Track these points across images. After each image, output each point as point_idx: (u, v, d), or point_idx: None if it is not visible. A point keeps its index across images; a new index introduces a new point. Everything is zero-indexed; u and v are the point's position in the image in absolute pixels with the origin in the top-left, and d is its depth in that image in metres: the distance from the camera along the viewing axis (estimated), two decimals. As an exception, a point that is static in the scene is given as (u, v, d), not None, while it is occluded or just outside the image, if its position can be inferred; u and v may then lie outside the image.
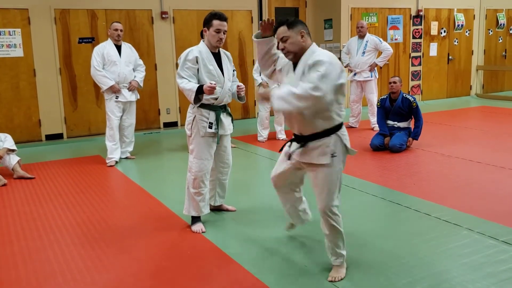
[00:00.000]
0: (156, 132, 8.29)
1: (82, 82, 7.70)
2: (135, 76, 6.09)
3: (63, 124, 7.69)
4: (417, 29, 10.27)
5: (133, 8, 7.96)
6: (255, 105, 9.07)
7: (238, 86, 3.76)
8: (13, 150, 5.47)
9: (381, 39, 7.66)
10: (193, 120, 3.65)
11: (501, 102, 10.43)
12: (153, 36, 8.16)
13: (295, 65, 2.81)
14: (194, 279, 2.94)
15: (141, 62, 6.25)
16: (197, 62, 3.57)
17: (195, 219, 3.76)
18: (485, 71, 11.62)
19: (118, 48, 5.96)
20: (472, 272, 2.89)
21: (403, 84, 6.47)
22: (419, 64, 10.51)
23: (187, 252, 3.34)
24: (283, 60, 2.97)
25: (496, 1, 11.37)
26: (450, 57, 10.93)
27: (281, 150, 3.12)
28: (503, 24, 11.62)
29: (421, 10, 10.19)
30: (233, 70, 3.85)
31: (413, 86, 10.50)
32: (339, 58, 5.93)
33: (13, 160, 5.41)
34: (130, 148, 6.29)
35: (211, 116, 3.64)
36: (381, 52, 7.58)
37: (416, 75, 10.51)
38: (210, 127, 3.63)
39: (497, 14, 11.48)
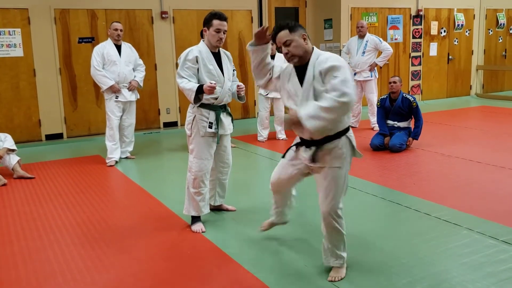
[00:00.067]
0: (156, 132, 8.29)
1: (82, 82, 7.70)
2: (135, 76, 6.09)
3: (63, 124, 7.69)
4: (417, 29, 10.27)
5: (133, 8, 7.96)
6: (255, 105, 9.07)
7: (238, 86, 3.76)
8: (13, 150, 5.47)
9: (381, 39, 7.66)
10: (193, 120, 3.65)
11: (501, 102, 10.43)
12: (153, 36, 8.16)
13: (297, 69, 2.75)
14: (194, 279, 2.94)
15: (141, 62, 6.26)
16: (197, 61, 3.57)
17: (195, 219, 3.76)
18: (485, 71, 11.62)
19: (118, 48, 5.96)
20: (472, 272, 2.89)
21: (403, 84, 6.47)
22: (419, 64, 10.51)
23: (187, 252, 3.34)
24: (278, 68, 2.94)
25: (496, 1, 11.37)
26: (450, 57, 10.93)
27: (283, 156, 3.03)
28: (503, 24, 11.61)
29: (421, 10, 10.19)
30: (233, 70, 3.85)
31: (413, 86, 10.50)
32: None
33: (13, 160, 5.41)
34: (130, 148, 6.29)
35: (211, 116, 3.64)
36: (381, 52, 7.58)
37: (416, 75, 10.51)
38: (210, 127, 3.63)
39: (497, 14, 11.48)
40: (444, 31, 10.72)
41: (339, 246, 2.86)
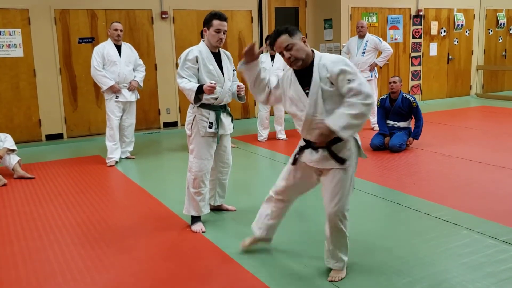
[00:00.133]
0: (156, 132, 8.29)
1: (82, 82, 7.70)
2: (135, 76, 6.10)
3: (63, 124, 7.69)
4: (417, 29, 10.27)
5: (133, 8, 7.96)
6: (255, 105, 9.07)
7: (238, 86, 3.76)
8: (13, 150, 5.47)
9: (381, 39, 7.66)
10: (193, 120, 3.65)
11: (501, 102, 10.43)
12: (153, 36, 8.16)
13: (298, 74, 2.71)
14: (194, 279, 2.94)
15: (141, 62, 6.26)
16: (197, 61, 3.57)
17: (195, 219, 3.76)
18: (485, 71, 11.62)
19: (118, 48, 5.96)
20: (472, 272, 2.89)
21: (403, 84, 6.47)
22: (419, 64, 10.51)
23: (187, 252, 3.34)
24: (274, 78, 2.92)
25: (496, 1, 11.37)
26: (450, 57, 10.93)
27: (294, 163, 2.88)
28: (503, 24, 11.62)
29: (421, 10, 10.19)
30: (233, 70, 3.85)
31: (413, 86, 10.50)
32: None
33: (13, 160, 5.41)
34: (130, 148, 6.29)
35: (211, 116, 3.64)
36: (381, 52, 7.58)
37: (416, 75, 10.51)
38: (210, 127, 3.63)
39: (497, 14, 11.48)
40: (444, 31, 10.73)
41: (341, 249, 2.85)
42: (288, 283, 2.85)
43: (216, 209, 4.09)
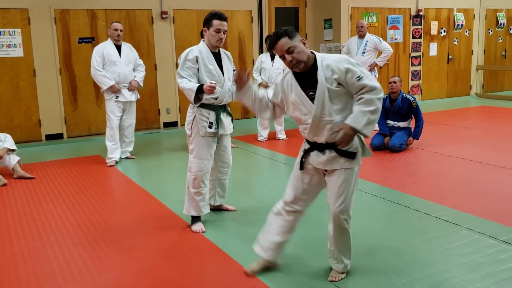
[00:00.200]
0: (156, 132, 8.29)
1: (82, 82, 7.70)
2: (135, 76, 6.10)
3: (63, 124, 7.69)
4: (417, 29, 10.27)
5: (133, 8, 7.96)
6: (255, 105, 9.05)
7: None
8: (13, 150, 5.47)
9: (381, 39, 7.65)
10: (193, 120, 3.65)
11: (501, 102, 10.43)
12: (153, 36, 8.16)
13: (299, 77, 2.67)
14: (194, 279, 2.94)
15: (141, 62, 6.26)
16: (197, 61, 3.57)
17: (195, 219, 3.76)
18: (485, 71, 11.62)
19: (118, 48, 5.96)
20: (472, 272, 2.89)
21: (403, 84, 6.47)
22: (419, 64, 10.51)
23: (187, 252, 3.34)
24: (270, 90, 2.92)
25: (496, 1, 11.37)
26: (450, 56, 10.93)
27: (301, 167, 2.80)
28: (503, 24, 11.61)
29: (421, 10, 10.19)
30: (233, 70, 3.85)
31: (413, 86, 10.50)
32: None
33: (13, 160, 5.41)
34: (130, 148, 6.29)
35: (211, 116, 3.64)
36: (381, 52, 7.57)
37: (416, 75, 10.51)
38: (210, 127, 3.63)
39: (497, 14, 11.48)
40: (444, 31, 10.73)
41: (344, 252, 2.84)
42: (288, 283, 2.85)
43: (216, 209, 4.09)
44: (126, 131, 6.15)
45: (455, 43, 10.95)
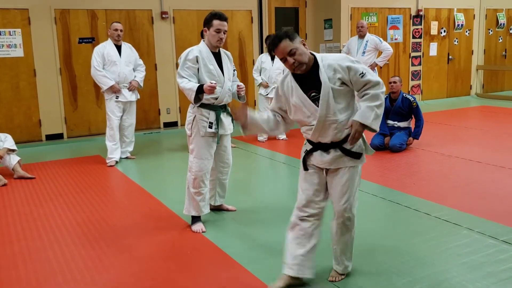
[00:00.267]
0: (156, 132, 8.29)
1: (82, 82, 7.70)
2: (135, 76, 6.10)
3: (63, 124, 7.69)
4: (417, 29, 10.27)
5: (133, 8, 7.96)
6: (255, 105, 9.06)
7: (238, 85, 3.76)
8: (13, 150, 5.47)
9: (381, 39, 7.66)
10: (193, 120, 3.65)
11: (501, 102, 10.43)
12: (153, 36, 8.17)
13: (299, 78, 2.65)
14: (194, 279, 2.94)
15: (141, 62, 6.26)
16: (197, 61, 3.57)
17: (195, 219, 3.76)
18: (485, 71, 11.62)
19: (118, 48, 5.96)
20: (472, 272, 2.89)
21: (403, 84, 6.47)
22: (419, 64, 10.51)
23: (187, 252, 3.34)
24: (271, 104, 2.86)
25: (496, 1, 11.37)
26: (450, 56, 10.93)
27: (306, 168, 2.76)
28: (503, 24, 11.62)
29: (421, 10, 10.19)
30: (234, 70, 3.85)
31: (413, 86, 10.50)
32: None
33: (13, 160, 5.41)
34: (130, 148, 6.29)
35: (211, 115, 3.64)
36: (381, 52, 7.57)
37: (416, 75, 10.52)
38: (210, 127, 3.63)
39: (497, 14, 11.48)
40: (444, 31, 10.73)
41: (346, 253, 2.83)
42: (288, 283, 2.85)
43: (216, 209, 4.09)
44: (126, 131, 6.15)
45: (455, 43, 10.95)
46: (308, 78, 2.63)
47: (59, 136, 7.67)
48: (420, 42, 10.39)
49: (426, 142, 6.45)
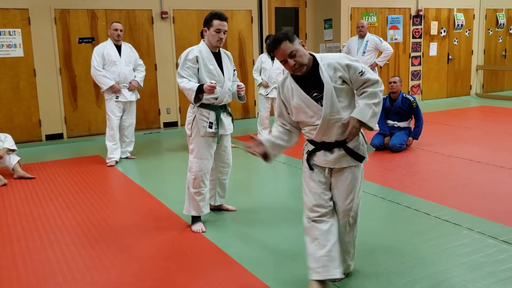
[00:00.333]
0: (156, 132, 8.29)
1: (82, 82, 7.70)
2: (135, 76, 6.10)
3: (63, 124, 7.69)
4: (417, 29, 10.27)
5: (133, 8, 7.96)
6: (255, 105, 9.07)
7: (238, 85, 3.76)
8: (13, 150, 5.47)
9: (381, 39, 7.65)
10: (193, 120, 3.65)
11: (501, 102, 10.43)
12: (153, 36, 8.17)
13: (299, 79, 2.64)
14: (194, 279, 2.94)
15: (141, 62, 6.26)
16: (197, 61, 3.57)
17: (195, 219, 3.76)
18: (485, 71, 11.62)
19: (118, 48, 5.96)
20: (472, 272, 2.89)
21: (403, 84, 6.47)
22: (419, 64, 10.51)
23: (187, 252, 3.34)
24: (275, 115, 2.81)
25: (496, 1, 11.37)
26: (450, 56, 10.93)
27: (311, 168, 2.73)
28: (503, 24, 11.62)
29: (421, 10, 10.19)
30: (234, 70, 3.85)
31: (413, 86, 10.50)
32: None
33: (13, 160, 5.41)
34: (130, 148, 6.29)
35: (211, 115, 3.64)
36: (381, 52, 7.57)
37: (416, 75, 10.51)
38: (210, 127, 3.63)
39: (497, 14, 11.48)
40: (444, 31, 10.73)
41: (348, 250, 2.84)
42: (288, 283, 2.85)
43: (216, 209, 4.09)
44: (126, 131, 6.15)
45: (455, 43, 10.95)
46: (308, 78, 2.62)
47: (59, 136, 7.67)
48: (420, 42, 10.39)
49: (426, 142, 6.45)
